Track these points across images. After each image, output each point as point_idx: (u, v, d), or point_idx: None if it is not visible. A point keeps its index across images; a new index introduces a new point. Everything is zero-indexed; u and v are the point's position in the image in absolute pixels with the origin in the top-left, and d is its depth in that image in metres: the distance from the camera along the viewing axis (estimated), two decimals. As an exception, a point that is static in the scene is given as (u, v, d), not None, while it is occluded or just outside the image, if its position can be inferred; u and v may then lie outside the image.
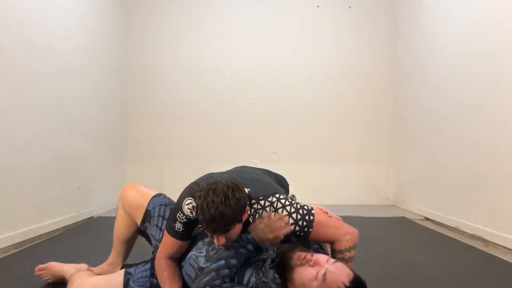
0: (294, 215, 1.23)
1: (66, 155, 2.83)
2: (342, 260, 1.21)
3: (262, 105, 4.11)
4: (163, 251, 1.32)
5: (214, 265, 1.13)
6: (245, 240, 1.17)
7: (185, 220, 1.27)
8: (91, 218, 3.16)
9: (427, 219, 3.18)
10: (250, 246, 1.16)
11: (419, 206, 3.40)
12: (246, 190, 1.22)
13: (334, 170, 4.08)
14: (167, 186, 4.07)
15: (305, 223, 1.22)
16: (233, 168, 1.52)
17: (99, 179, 3.42)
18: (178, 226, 1.29)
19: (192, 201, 1.25)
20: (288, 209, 1.23)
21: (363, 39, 4.15)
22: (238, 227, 1.15)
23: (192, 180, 1.35)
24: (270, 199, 1.25)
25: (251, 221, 1.23)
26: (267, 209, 1.23)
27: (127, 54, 4.10)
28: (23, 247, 2.21)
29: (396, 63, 4.03)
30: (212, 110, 4.10)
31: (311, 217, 1.24)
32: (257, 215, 1.24)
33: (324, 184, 4.07)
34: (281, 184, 1.58)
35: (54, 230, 2.61)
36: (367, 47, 4.14)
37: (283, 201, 1.25)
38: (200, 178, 1.36)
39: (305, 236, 1.24)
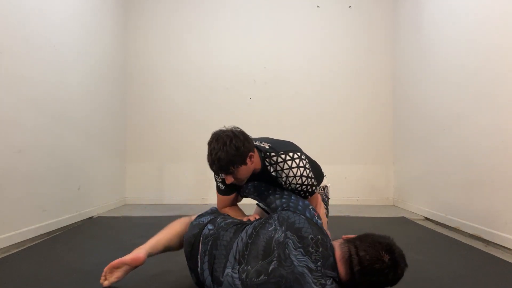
0: (304, 179, 1.47)
1: (66, 155, 2.83)
2: None
3: (262, 105, 4.11)
4: (220, 205, 1.66)
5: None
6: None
7: (221, 179, 1.55)
8: (91, 218, 3.16)
9: (427, 219, 3.18)
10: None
11: (419, 206, 3.40)
12: (267, 145, 1.50)
13: (334, 170, 4.06)
14: (167, 186, 4.08)
15: (310, 190, 1.51)
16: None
17: (99, 179, 3.41)
18: (219, 185, 1.61)
19: None
20: (302, 171, 1.47)
21: (363, 39, 4.15)
22: (242, 169, 1.38)
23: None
24: (291, 154, 1.48)
25: (270, 170, 1.49)
26: (287, 163, 1.46)
27: (126, 54, 4.10)
28: (23, 247, 2.21)
29: (396, 63, 4.03)
30: (212, 110, 4.10)
31: (314, 189, 1.52)
32: (276, 166, 1.48)
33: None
34: (314, 166, 1.74)
35: (54, 230, 2.61)
36: (367, 47, 4.14)
37: (301, 162, 1.47)
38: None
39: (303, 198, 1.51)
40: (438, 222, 2.99)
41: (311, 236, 1.15)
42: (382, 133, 4.13)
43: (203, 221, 1.45)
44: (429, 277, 1.70)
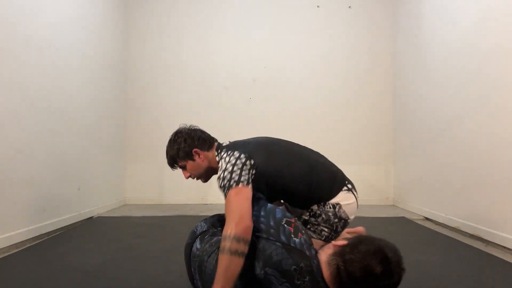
0: (224, 173, 1.29)
1: (66, 155, 2.83)
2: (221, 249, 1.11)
3: (262, 105, 4.11)
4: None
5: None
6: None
7: None
8: (91, 218, 3.16)
9: (427, 219, 3.18)
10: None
11: (419, 206, 3.40)
12: (228, 142, 1.48)
13: (334, 170, 4.08)
14: (167, 186, 4.08)
15: (222, 185, 1.28)
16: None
17: (99, 179, 3.41)
18: None
19: None
20: (224, 166, 1.32)
21: (363, 39, 4.15)
22: (190, 165, 1.47)
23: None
24: (229, 152, 1.36)
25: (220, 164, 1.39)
26: (222, 159, 1.36)
27: (127, 54, 4.10)
28: (23, 247, 2.21)
29: (396, 63, 4.03)
30: (211, 110, 4.10)
31: (228, 190, 1.24)
32: (220, 162, 1.38)
33: (324, 184, 4.07)
34: (324, 171, 1.55)
35: (54, 230, 2.61)
36: (367, 47, 4.14)
37: (228, 157, 1.34)
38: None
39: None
40: (438, 222, 2.99)
41: (293, 267, 1.05)
42: (382, 133, 4.12)
43: (197, 230, 1.40)
44: (429, 277, 1.70)
